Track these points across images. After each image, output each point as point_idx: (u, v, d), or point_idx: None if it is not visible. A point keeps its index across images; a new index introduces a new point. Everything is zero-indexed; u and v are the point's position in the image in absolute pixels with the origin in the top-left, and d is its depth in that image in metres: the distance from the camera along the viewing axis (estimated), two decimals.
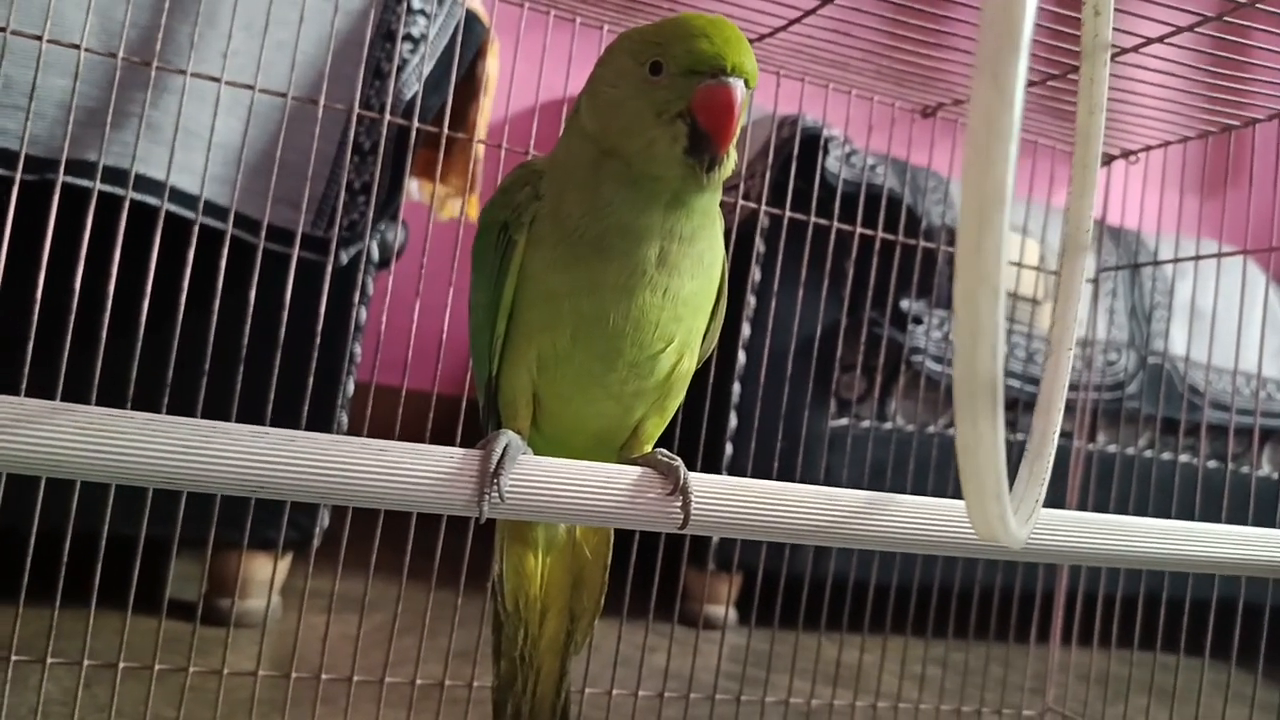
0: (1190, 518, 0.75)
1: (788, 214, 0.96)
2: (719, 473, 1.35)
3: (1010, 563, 0.75)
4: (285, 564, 1.12)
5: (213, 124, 0.81)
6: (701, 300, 0.52)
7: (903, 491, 1.05)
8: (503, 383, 0.54)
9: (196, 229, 0.80)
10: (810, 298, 1.28)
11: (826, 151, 1.24)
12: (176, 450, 0.39)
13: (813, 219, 0.94)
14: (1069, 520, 0.48)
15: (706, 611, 1.39)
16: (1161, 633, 0.98)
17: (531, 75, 0.89)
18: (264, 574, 1.06)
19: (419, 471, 0.42)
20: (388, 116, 0.85)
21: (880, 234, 0.96)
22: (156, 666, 0.76)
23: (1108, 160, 0.91)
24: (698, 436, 1.08)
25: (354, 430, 1.06)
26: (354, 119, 0.86)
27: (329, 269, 0.86)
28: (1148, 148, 0.86)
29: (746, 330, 1.36)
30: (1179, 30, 0.66)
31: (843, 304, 1.30)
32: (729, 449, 1.35)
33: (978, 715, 0.92)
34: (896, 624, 1.06)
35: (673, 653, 1.09)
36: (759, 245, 1.33)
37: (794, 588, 1.03)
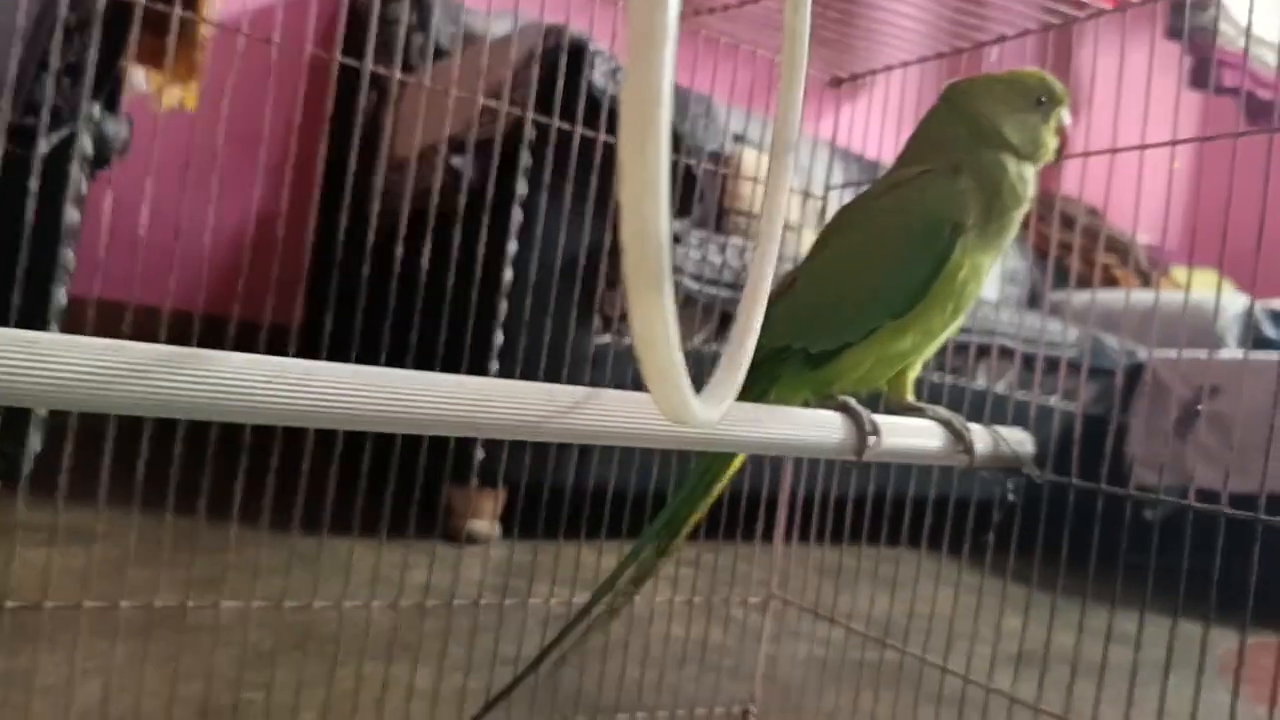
0: None
1: (556, 123, 0.94)
2: None
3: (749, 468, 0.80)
4: None
5: None
6: None
7: None
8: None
9: None
10: (576, 214, 1.28)
11: (591, 65, 1.23)
12: None
13: (580, 129, 0.93)
14: (760, 410, 0.49)
15: (471, 527, 1.39)
16: (886, 529, 1.08)
17: None
18: None
19: None
20: None
21: None
22: None
23: (837, 83, 0.96)
24: (462, 353, 1.06)
25: None
26: None
27: (33, 161, 0.76)
28: (873, 71, 0.91)
29: (513, 247, 1.34)
30: None
31: (607, 221, 1.31)
32: (495, 365, 1.34)
33: (708, 604, 0.99)
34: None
35: (436, 569, 1.08)
36: (525, 158, 1.31)
37: (557, 499, 1.05)
